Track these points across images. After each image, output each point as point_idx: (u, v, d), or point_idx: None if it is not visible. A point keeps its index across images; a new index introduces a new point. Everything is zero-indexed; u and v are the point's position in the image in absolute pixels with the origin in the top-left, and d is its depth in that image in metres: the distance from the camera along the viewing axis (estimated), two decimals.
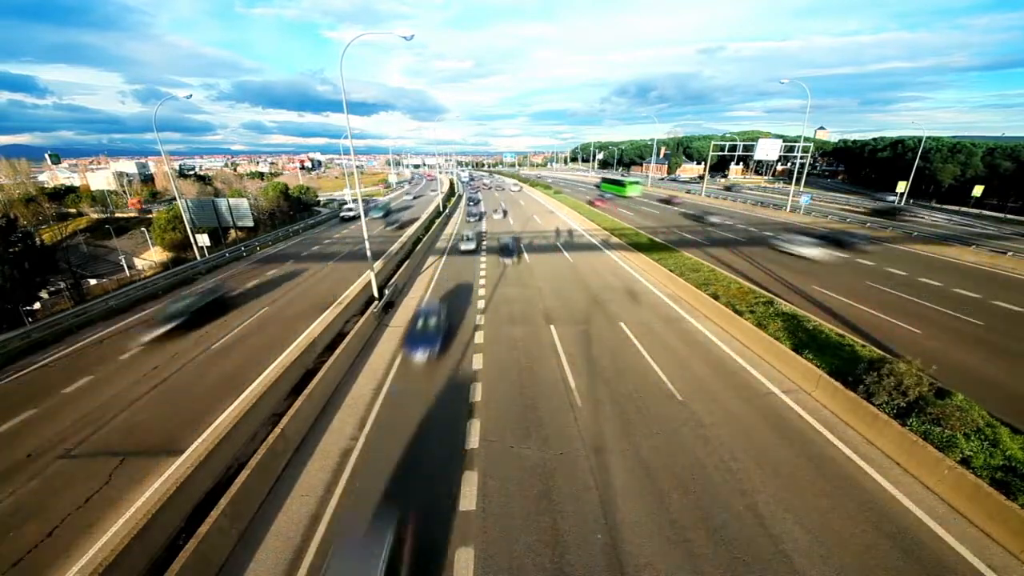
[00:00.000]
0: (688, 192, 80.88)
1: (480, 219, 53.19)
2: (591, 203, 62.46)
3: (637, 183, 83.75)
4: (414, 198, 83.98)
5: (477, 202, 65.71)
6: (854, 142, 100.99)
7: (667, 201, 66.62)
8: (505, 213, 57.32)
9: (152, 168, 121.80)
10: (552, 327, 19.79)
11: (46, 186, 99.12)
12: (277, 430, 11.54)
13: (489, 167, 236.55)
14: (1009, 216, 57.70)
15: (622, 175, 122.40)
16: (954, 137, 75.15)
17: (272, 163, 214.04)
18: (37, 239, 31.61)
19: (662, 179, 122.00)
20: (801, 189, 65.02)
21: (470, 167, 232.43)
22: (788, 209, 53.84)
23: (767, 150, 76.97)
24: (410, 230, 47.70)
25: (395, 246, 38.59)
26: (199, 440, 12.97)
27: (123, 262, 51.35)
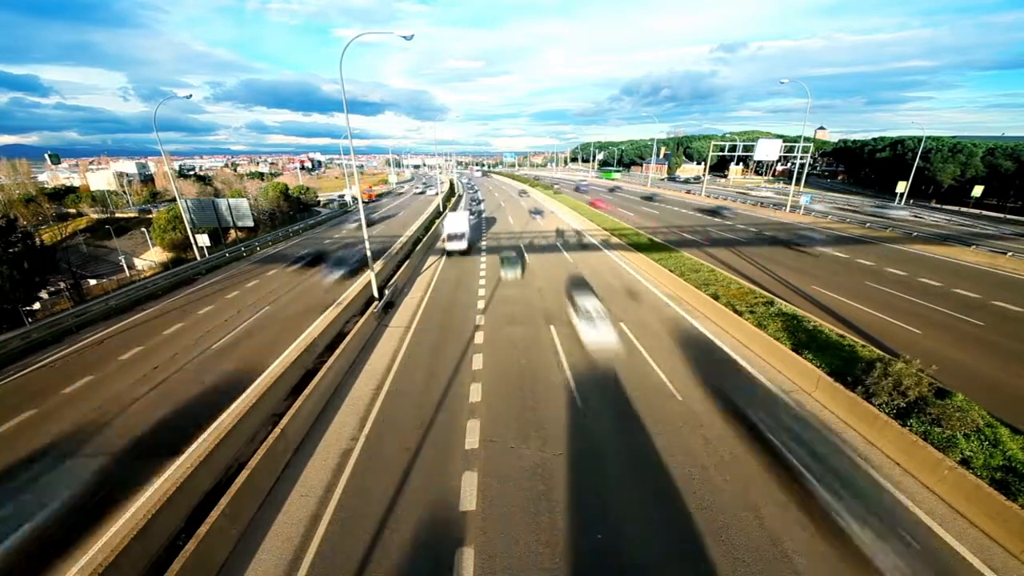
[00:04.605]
0: (688, 192, 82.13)
1: None
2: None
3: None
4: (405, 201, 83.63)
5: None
6: (854, 142, 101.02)
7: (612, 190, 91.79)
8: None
9: (152, 168, 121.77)
10: (552, 327, 19.78)
11: (46, 186, 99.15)
12: (277, 430, 11.53)
13: (489, 167, 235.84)
14: (1009, 216, 57.71)
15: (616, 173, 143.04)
16: (955, 137, 75.14)
17: (272, 163, 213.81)
18: (37, 239, 31.58)
19: (662, 179, 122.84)
20: (801, 189, 65.11)
21: (476, 166, 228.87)
22: (788, 209, 53.92)
23: (767, 150, 77.03)
24: (410, 230, 47.76)
25: (395, 246, 38.62)
26: (199, 440, 12.98)
27: (123, 262, 51.32)
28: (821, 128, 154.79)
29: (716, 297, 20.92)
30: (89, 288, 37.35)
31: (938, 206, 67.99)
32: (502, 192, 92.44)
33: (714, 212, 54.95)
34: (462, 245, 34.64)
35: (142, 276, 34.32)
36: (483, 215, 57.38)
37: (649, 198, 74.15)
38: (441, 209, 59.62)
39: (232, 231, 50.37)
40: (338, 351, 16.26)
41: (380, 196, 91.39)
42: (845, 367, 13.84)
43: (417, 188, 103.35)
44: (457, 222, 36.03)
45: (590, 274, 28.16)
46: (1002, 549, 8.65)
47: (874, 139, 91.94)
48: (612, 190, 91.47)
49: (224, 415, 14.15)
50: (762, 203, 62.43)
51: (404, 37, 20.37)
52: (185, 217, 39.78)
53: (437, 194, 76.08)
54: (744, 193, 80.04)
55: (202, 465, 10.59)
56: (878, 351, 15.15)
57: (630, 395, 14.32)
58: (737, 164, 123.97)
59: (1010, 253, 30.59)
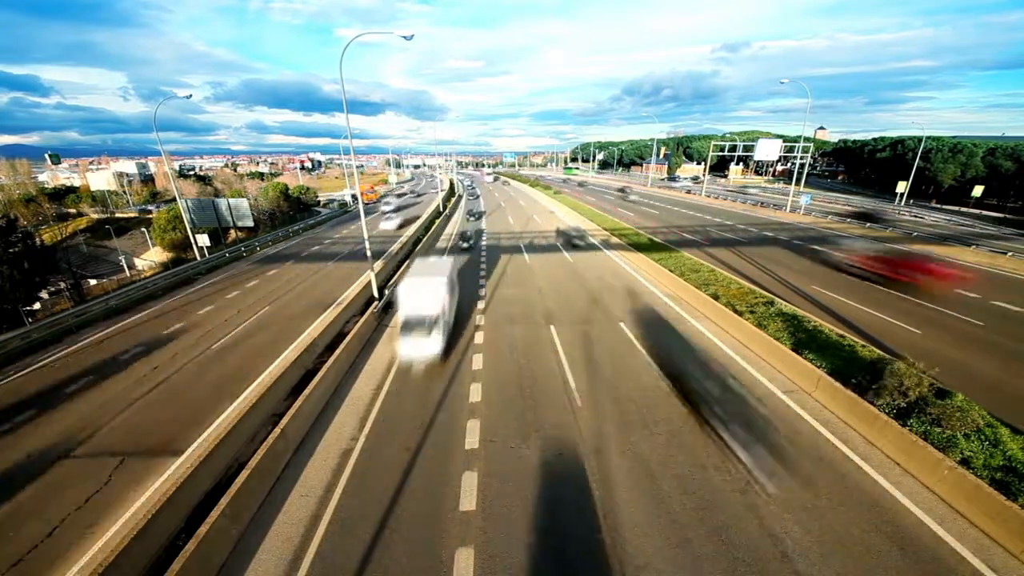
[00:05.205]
0: (689, 192, 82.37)
1: None
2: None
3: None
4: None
5: None
6: (854, 142, 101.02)
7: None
8: None
9: (152, 168, 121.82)
10: (552, 327, 19.78)
11: (46, 186, 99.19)
12: (277, 430, 11.53)
13: (490, 167, 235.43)
14: (1008, 216, 57.70)
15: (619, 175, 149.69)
16: (955, 137, 75.14)
17: (272, 163, 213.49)
18: (37, 239, 31.60)
19: (661, 179, 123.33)
20: (801, 189, 65.10)
21: (485, 167, 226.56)
22: (788, 209, 53.94)
23: (767, 150, 77.11)
24: (410, 229, 47.77)
25: (395, 246, 38.62)
26: (199, 440, 12.98)
27: (123, 262, 51.34)
28: (821, 128, 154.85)
29: (716, 297, 20.91)
30: (89, 288, 37.39)
31: (938, 206, 68.00)
32: (522, 220, 51.41)
33: (621, 191, 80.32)
34: (432, 346, 16.07)
35: (142, 276, 34.35)
36: (482, 233, 43.77)
37: (582, 184, 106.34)
38: (441, 209, 59.30)
39: (232, 231, 50.42)
40: (338, 351, 16.25)
41: (382, 197, 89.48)
42: (845, 367, 13.83)
43: (387, 204, 64.93)
44: (420, 294, 17.12)
45: (589, 272, 28.11)
46: (1002, 549, 8.64)
47: (874, 139, 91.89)
48: (564, 181, 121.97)
49: (224, 415, 14.16)
50: (763, 203, 62.59)
51: (404, 37, 20.37)
52: (185, 217, 39.81)
53: (406, 223, 50.06)
54: (741, 192, 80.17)
55: (202, 465, 10.58)
56: (878, 351, 15.15)
57: (630, 394, 14.32)
58: (737, 164, 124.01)
59: (1010, 253, 30.57)
